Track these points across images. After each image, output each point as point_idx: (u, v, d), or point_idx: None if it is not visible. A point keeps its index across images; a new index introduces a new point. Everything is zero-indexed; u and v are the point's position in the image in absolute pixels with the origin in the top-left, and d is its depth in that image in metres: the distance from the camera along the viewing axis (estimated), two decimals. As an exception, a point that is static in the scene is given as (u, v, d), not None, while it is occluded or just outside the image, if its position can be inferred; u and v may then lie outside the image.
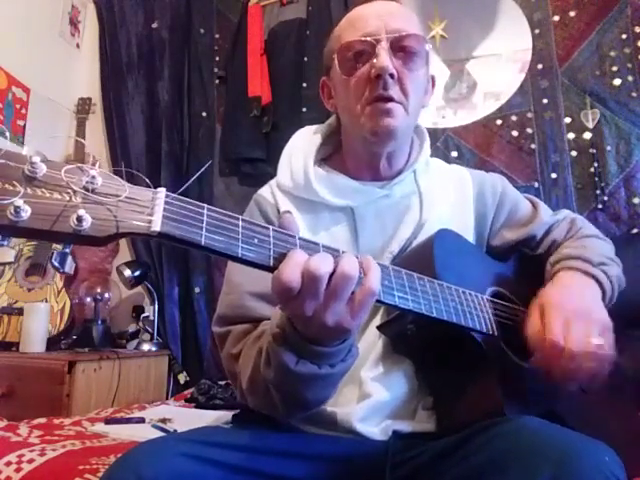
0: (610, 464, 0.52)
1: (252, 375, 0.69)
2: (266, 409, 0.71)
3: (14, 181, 0.39)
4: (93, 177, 0.42)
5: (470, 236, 0.88)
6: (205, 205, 0.48)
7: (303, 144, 0.90)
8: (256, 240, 0.49)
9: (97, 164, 0.44)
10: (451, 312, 0.65)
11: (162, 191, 0.46)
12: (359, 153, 0.86)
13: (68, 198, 0.41)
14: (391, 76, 0.76)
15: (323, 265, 0.50)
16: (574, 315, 0.70)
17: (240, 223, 0.49)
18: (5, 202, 0.38)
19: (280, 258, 0.50)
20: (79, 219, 0.40)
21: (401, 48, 0.78)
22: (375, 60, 0.76)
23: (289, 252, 0.50)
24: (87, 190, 0.42)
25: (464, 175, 0.94)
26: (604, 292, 0.80)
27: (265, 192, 0.91)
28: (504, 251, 0.91)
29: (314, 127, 0.93)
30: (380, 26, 0.78)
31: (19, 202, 0.38)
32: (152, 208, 0.44)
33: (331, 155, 0.92)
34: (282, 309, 0.57)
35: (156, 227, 0.43)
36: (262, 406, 0.71)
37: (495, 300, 0.76)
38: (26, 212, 0.38)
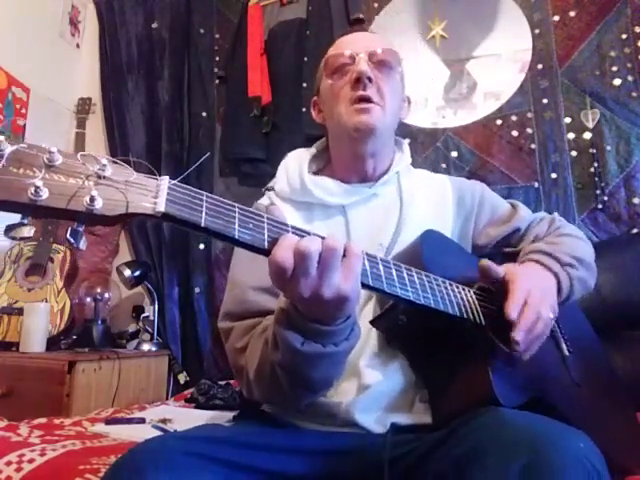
0: (585, 450, 0.53)
1: (259, 365, 0.71)
2: (273, 397, 0.74)
3: (34, 168, 0.43)
4: (104, 165, 0.47)
5: (449, 235, 0.92)
6: (204, 192, 0.52)
7: (297, 158, 0.99)
8: (251, 225, 0.54)
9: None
10: (438, 301, 0.68)
11: (165, 178, 0.50)
12: (346, 155, 0.95)
13: (82, 182, 0.45)
14: (369, 80, 0.87)
15: (312, 244, 0.54)
16: (535, 288, 0.75)
17: (237, 209, 0.54)
18: (27, 182, 0.42)
19: (274, 242, 0.54)
20: (92, 199, 0.44)
21: (378, 61, 0.91)
22: (354, 67, 0.89)
23: (281, 236, 0.55)
24: (99, 175, 0.46)
25: (444, 181, 1.03)
26: (560, 290, 0.83)
27: (264, 201, 1.00)
28: (490, 250, 0.97)
29: (305, 148, 1.03)
30: (360, 45, 0.92)
31: (39, 183, 0.42)
32: (157, 192, 0.49)
33: (322, 169, 1.01)
34: (282, 293, 0.61)
35: (160, 208, 0.47)
36: (269, 394, 0.74)
37: (482, 293, 0.78)
38: (45, 192, 0.42)
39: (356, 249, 0.57)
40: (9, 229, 0.48)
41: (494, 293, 0.81)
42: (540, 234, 0.96)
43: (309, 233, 0.57)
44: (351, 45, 0.93)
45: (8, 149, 0.42)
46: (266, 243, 0.54)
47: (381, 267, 0.63)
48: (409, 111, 1.03)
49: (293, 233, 0.56)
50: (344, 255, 0.56)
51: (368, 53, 0.90)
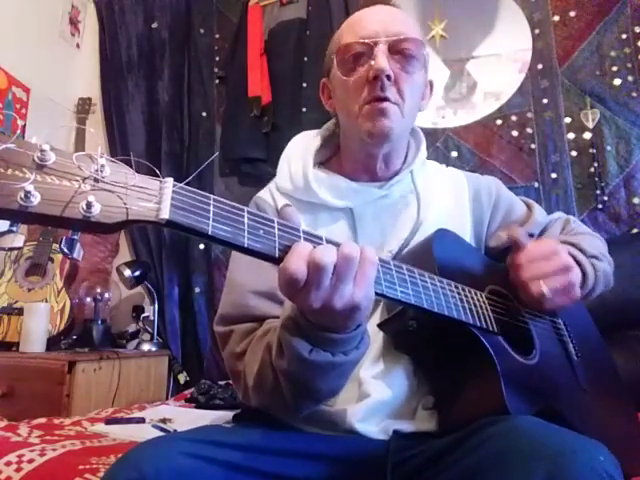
0: (605, 463, 0.52)
1: (259, 371, 0.69)
2: (272, 406, 0.71)
3: (24, 168, 0.39)
4: (102, 165, 0.42)
5: (467, 237, 0.89)
6: (211, 196, 0.48)
7: (301, 148, 0.91)
8: (261, 232, 0.50)
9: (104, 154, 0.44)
10: (452, 308, 0.66)
11: (169, 180, 0.46)
12: (356, 154, 0.87)
13: (77, 185, 0.41)
14: (388, 77, 0.77)
15: (327, 255, 0.51)
16: (554, 260, 0.74)
17: (246, 214, 0.50)
18: (15, 186, 0.37)
19: (285, 250, 0.51)
20: (88, 205, 0.40)
21: (399, 51, 0.80)
22: (373, 62, 0.78)
23: (294, 244, 0.51)
24: (96, 178, 0.42)
25: (460, 177, 0.96)
26: (584, 282, 0.81)
27: (264, 194, 0.92)
28: (501, 252, 0.92)
29: (312, 132, 0.95)
30: (379, 30, 0.80)
31: (29, 187, 0.38)
32: (160, 197, 0.45)
33: (329, 159, 0.93)
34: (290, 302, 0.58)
35: (164, 215, 0.44)
36: (268, 403, 0.72)
37: (494, 297, 0.77)
38: (36, 198, 0.38)
39: (371, 255, 0.54)
40: None
41: (507, 297, 0.81)
42: (553, 236, 0.92)
43: (322, 238, 0.54)
44: (370, 28, 0.80)
45: None
46: (277, 252, 0.50)
47: (394, 273, 0.60)
48: (431, 97, 0.93)
49: (305, 239, 0.52)
50: (358, 261, 0.53)
51: (388, 43, 0.79)
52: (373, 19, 0.82)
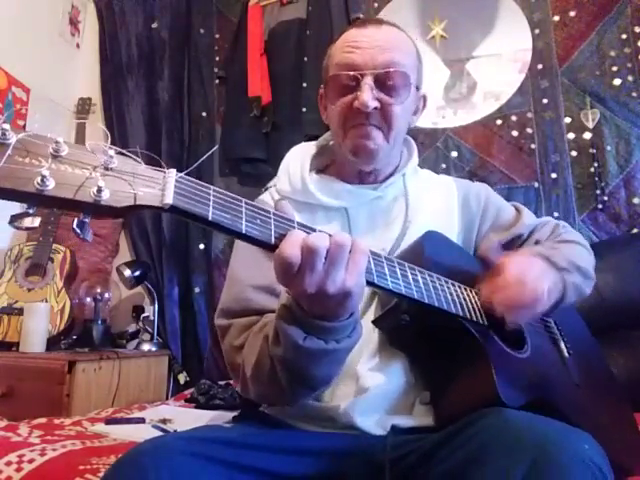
0: (590, 452, 0.53)
1: (257, 361, 0.71)
2: (270, 394, 0.74)
3: (40, 157, 0.43)
4: (111, 156, 0.46)
5: (454, 239, 0.91)
6: (211, 186, 0.52)
7: (300, 156, 0.96)
8: (258, 220, 0.53)
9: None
10: (442, 300, 0.68)
11: (173, 171, 0.50)
12: (347, 167, 0.92)
13: (89, 173, 0.45)
14: (374, 108, 0.82)
15: (320, 240, 0.54)
16: (522, 298, 0.73)
17: (243, 204, 0.53)
18: (33, 171, 0.41)
19: (281, 238, 0.54)
20: (99, 190, 0.44)
21: (385, 83, 0.83)
22: (359, 93, 0.81)
23: (288, 232, 0.54)
24: (106, 166, 0.46)
25: (450, 184, 1.00)
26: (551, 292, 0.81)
27: (265, 197, 0.98)
28: None
29: (310, 143, 1.00)
30: (367, 60, 0.83)
31: (45, 172, 0.41)
32: (164, 184, 0.49)
33: (326, 167, 0.98)
34: (286, 289, 0.61)
35: (168, 200, 0.47)
36: (266, 392, 0.74)
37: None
38: (51, 182, 0.42)
39: (362, 245, 0.57)
40: (14, 219, 0.47)
41: None
42: (541, 239, 0.95)
43: (314, 230, 0.57)
44: (358, 55, 0.83)
45: (14, 138, 0.42)
46: (273, 239, 0.53)
47: (385, 265, 0.63)
48: (424, 109, 0.97)
49: (299, 229, 0.56)
50: (350, 251, 0.56)
51: (374, 75, 0.82)
52: (362, 47, 0.84)
